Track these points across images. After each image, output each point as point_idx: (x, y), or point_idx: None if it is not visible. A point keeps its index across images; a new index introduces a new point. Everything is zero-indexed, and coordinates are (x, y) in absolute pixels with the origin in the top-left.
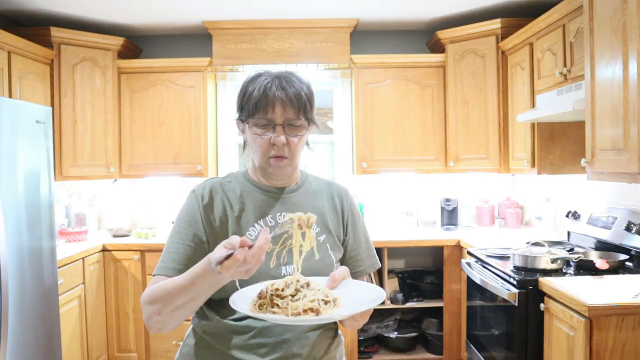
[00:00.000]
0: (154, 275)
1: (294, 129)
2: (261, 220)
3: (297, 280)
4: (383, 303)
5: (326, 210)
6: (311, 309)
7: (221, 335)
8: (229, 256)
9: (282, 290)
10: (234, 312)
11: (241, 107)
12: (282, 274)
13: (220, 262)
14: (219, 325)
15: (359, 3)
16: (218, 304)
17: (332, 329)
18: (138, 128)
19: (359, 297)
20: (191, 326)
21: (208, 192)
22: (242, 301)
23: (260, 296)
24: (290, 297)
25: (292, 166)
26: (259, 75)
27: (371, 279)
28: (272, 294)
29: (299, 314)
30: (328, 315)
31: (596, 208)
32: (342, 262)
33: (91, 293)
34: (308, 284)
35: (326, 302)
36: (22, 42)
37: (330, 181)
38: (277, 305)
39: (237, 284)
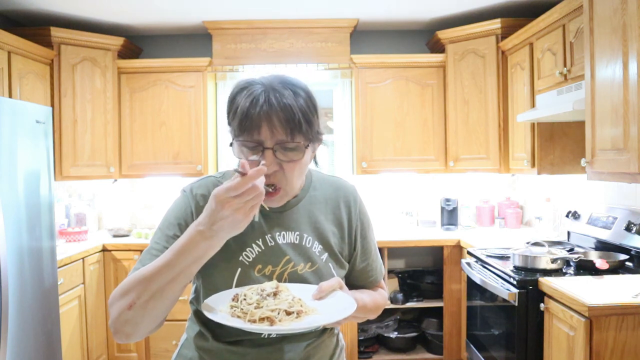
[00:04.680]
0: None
1: (288, 152)
2: (260, 239)
3: (263, 290)
4: None
5: (329, 224)
6: (268, 318)
7: (219, 355)
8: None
9: (251, 297)
10: (229, 333)
11: (228, 118)
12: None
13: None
14: (215, 346)
15: (359, 3)
16: (215, 324)
17: (332, 336)
18: (138, 128)
19: (330, 309)
20: (185, 335)
21: (201, 197)
22: (221, 302)
23: (234, 298)
24: (256, 304)
25: (288, 196)
26: (247, 85)
27: None
28: (243, 299)
29: (254, 321)
30: (282, 327)
31: (596, 208)
32: (352, 274)
33: (91, 293)
34: (275, 293)
35: (288, 313)
36: (22, 42)
37: (338, 183)
38: (242, 310)
39: (234, 284)
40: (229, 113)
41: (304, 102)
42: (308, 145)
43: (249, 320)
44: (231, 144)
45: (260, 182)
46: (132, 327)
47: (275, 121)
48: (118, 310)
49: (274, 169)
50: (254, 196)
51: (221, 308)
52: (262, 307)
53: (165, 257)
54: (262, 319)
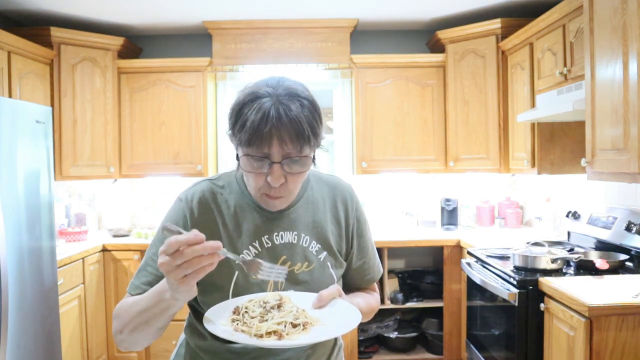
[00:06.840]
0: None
1: (294, 165)
2: (257, 241)
3: (266, 302)
4: (383, 303)
5: (328, 223)
6: (275, 332)
7: (218, 354)
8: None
9: (254, 310)
10: None
11: (233, 128)
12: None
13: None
14: (214, 345)
15: (359, 3)
16: None
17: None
18: (138, 128)
19: (335, 321)
20: (183, 336)
21: (197, 204)
22: (222, 314)
23: (235, 311)
24: (259, 317)
25: (289, 202)
26: (255, 97)
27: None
28: (245, 311)
29: (261, 336)
30: (290, 341)
31: (596, 208)
32: (348, 272)
33: (91, 293)
34: (279, 305)
35: (294, 326)
36: (22, 42)
37: (335, 181)
38: (246, 323)
39: (230, 294)
40: (235, 123)
41: (310, 114)
42: (314, 157)
43: (255, 335)
44: (237, 157)
45: (183, 257)
46: (129, 345)
47: (286, 137)
48: (114, 330)
49: (280, 182)
50: (183, 263)
51: (222, 321)
52: (266, 320)
53: (141, 301)
54: (268, 333)
